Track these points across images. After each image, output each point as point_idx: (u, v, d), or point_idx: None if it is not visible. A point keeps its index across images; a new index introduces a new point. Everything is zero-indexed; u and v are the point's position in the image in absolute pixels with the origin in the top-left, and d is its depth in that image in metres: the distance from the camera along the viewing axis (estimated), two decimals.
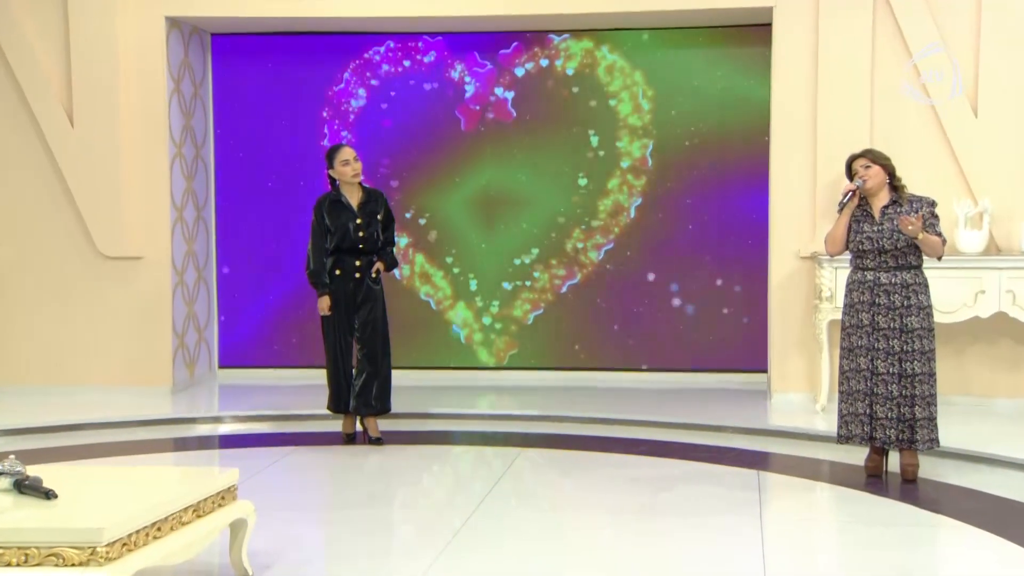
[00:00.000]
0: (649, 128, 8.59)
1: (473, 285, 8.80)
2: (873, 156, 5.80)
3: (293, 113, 8.83)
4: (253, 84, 8.86)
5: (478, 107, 8.72)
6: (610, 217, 8.65)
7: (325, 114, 8.81)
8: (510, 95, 8.70)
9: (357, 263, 6.66)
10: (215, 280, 8.95)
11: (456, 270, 8.81)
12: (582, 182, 8.66)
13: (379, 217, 6.71)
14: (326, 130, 8.81)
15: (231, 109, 8.90)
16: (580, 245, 8.69)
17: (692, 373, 8.58)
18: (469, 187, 8.77)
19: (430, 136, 8.77)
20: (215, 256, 8.95)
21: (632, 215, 8.64)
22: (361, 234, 6.64)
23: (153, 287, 8.20)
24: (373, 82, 8.78)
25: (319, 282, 6.65)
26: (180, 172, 8.37)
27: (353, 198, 6.68)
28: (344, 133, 8.77)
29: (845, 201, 5.73)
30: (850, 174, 5.84)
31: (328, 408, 6.86)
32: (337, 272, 6.65)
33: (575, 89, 8.63)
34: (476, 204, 8.77)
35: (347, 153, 6.65)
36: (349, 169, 6.63)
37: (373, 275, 6.71)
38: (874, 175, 5.73)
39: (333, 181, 6.69)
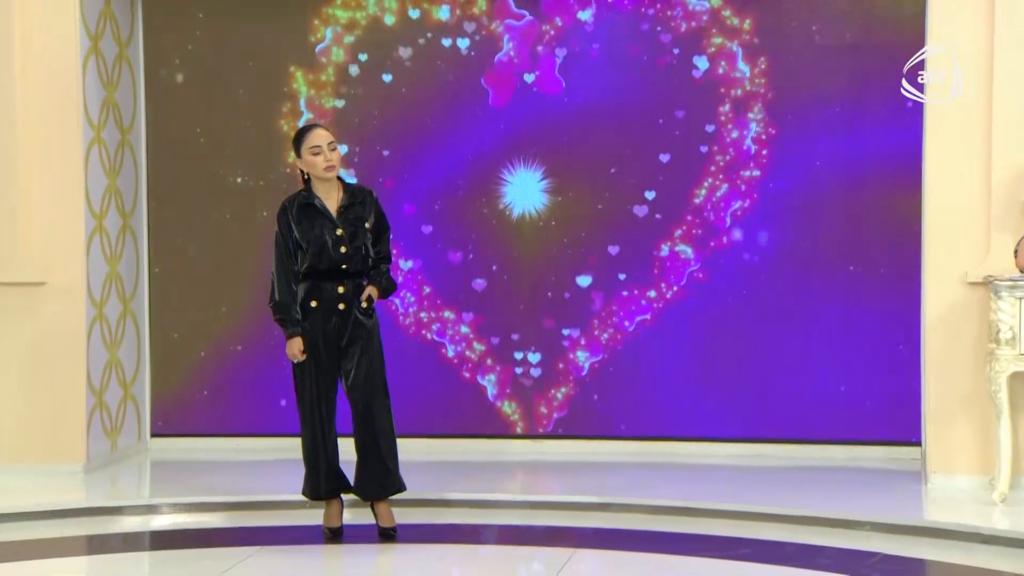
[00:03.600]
0: (755, 100, 8.56)
1: (505, 323, 8.80)
2: None
3: (257, 82, 8.89)
4: (200, 42, 8.92)
5: (513, 73, 8.75)
6: (699, 226, 8.63)
7: (299, 83, 8.86)
8: (558, 57, 8.72)
9: (340, 290, 6.68)
10: (148, 314, 9.00)
11: (482, 302, 8.82)
12: (660, 176, 8.65)
13: (367, 224, 6.72)
14: (302, 106, 8.86)
15: (170, 77, 8.97)
16: (656, 265, 8.67)
17: (815, 445, 8.54)
18: (498, 185, 8.79)
19: (445, 113, 8.79)
20: (147, 281, 8.99)
21: (730, 222, 8.62)
22: (344, 249, 6.65)
23: (61, 324, 8.23)
24: (362, 34, 8.83)
25: (287, 318, 6.66)
26: (100, 165, 8.43)
27: (330, 200, 6.71)
28: (332, 103, 8.81)
29: None
30: None
31: (304, 493, 6.87)
32: (313, 304, 6.66)
33: (647, 47, 8.64)
34: (508, 209, 8.78)
35: (319, 137, 6.67)
36: (320, 160, 6.64)
37: (363, 304, 6.72)
38: None
39: (306, 178, 6.73)
